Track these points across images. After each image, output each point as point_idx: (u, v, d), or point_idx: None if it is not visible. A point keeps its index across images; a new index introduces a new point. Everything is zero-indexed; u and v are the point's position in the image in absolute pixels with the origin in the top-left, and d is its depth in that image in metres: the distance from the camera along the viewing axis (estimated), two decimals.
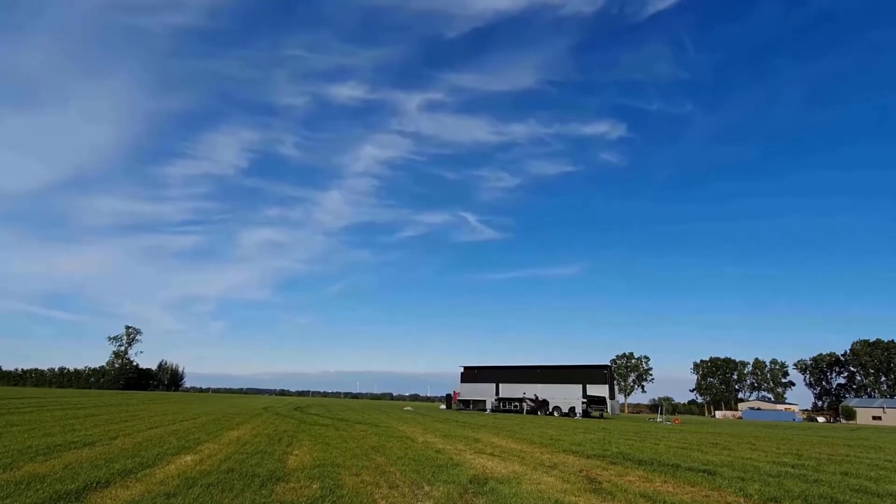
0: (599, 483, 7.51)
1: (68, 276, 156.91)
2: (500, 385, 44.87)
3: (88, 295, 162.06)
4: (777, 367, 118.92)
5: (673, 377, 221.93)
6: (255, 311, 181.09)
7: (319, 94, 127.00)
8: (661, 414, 54.77)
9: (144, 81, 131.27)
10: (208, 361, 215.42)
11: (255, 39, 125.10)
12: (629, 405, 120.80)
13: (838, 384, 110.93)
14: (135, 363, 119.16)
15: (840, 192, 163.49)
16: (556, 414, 40.21)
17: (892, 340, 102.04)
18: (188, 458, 8.22)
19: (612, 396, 42.62)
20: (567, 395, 40.67)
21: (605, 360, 46.76)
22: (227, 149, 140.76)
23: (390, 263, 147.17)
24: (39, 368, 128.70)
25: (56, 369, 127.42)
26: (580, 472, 8.52)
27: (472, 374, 48.07)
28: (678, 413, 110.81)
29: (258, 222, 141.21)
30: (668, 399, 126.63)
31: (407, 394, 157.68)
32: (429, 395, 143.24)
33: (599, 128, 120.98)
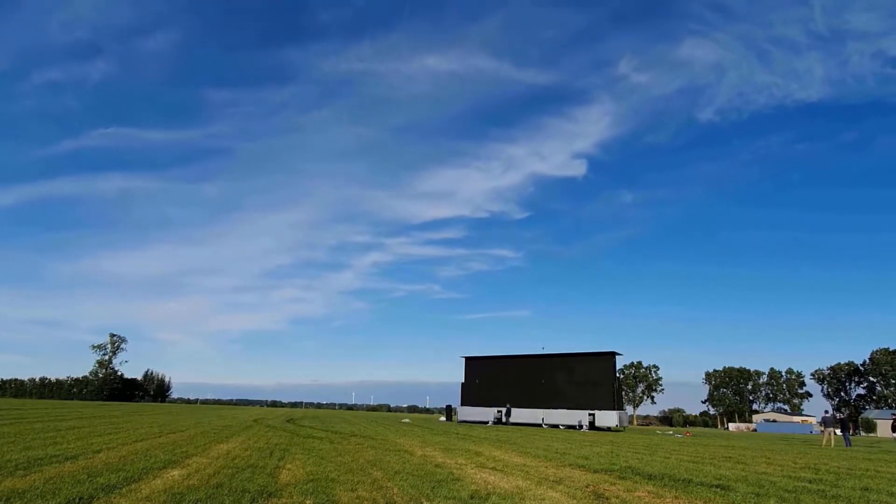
0: (607, 499, 7.21)
1: (139, 316, 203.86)
2: (512, 409, 44.53)
3: (139, 327, 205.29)
4: (793, 377, 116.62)
5: (684, 387, 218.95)
6: (267, 337, 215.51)
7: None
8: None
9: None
10: (199, 373, 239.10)
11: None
12: (638, 417, 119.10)
13: (857, 395, 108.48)
14: (119, 373, 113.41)
15: (852, 199, 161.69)
16: (561, 426, 39.69)
17: None
18: (175, 472, 7.99)
19: (619, 407, 41.93)
20: (574, 420, 40.74)
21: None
22: (280, 258, 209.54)
23: (382, 309, 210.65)
24: (19, 378, 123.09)
25: (37, 379, 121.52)
26: (587, 487, 8.19)
27: (475, 370, 48.07)
28: (689, 425, 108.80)
29: (288, 287, 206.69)
30: (679, 410, 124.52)
31: (405, 405, 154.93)
32: (428, 406, 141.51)
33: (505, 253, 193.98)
